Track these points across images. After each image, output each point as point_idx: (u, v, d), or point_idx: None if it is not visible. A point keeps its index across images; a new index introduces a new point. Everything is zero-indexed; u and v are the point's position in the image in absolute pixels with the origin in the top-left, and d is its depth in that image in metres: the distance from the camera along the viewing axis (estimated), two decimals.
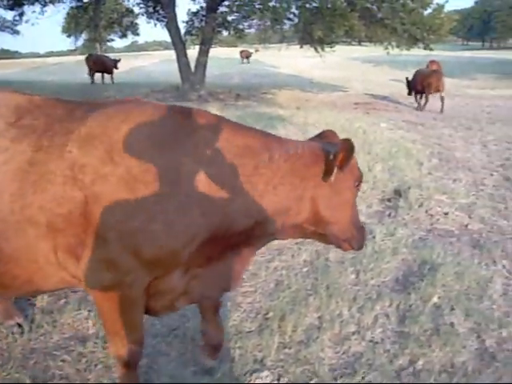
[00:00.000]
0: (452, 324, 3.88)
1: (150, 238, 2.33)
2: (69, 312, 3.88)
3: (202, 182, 2.41)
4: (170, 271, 2.53)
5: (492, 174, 8.47)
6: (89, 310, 3.92)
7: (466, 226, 5.99)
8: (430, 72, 18.37)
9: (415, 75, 18.73)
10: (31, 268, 2.43)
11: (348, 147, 2.55)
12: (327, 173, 2.66)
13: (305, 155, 2.71)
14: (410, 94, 19.19)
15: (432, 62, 26.48)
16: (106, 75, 28.83)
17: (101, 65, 28.43)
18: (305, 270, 4.73)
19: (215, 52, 51.74)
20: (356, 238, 3.00)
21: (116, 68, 28.72)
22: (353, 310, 4.03)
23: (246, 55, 54.01)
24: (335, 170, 2.62)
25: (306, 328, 3.78)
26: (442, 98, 17.47)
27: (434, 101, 17.77)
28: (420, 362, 3.43)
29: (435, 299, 4.19)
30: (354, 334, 3.75)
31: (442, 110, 17.25)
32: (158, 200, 2.32)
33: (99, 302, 2.55)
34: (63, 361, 3.35)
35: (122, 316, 2.55)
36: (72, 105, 2.60)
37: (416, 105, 18.85)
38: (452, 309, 4.07)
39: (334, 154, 2.60)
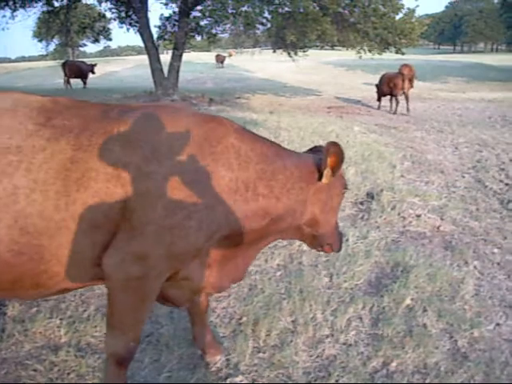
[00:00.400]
0: (425, 325, 3.91)
1: (184, 234, 2.51)
2: (40, 321, 3.82)
3: (228, 185, 2.65)
4: (187, 265, 2.73)
5: (463, 176, 8.58)
6: (61, 319, 3.87)
7: (438, 227, 6.05)
8: (396, 74, 18.85)
9: (381, 78, 19.40)
10: (69, 265, 2.48)
11: (335, 150, 2.81)
12: (320, 174, 2.92)
13: (308, 164, 2.99)
14: (379, 100, 19.84)
15: (404, 65, 26.87)
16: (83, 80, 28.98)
17: (77, 70, 28.46)
18: (278, 274, 4.74)
19: (189, 57, 51.65)
20: (337, 241, 3.34)
21: (93, 73, 28.80)
22: (326, 313, 4.04)
23: (220, 59, 54.11)
24: (327, 171, 2.88)
25: (280, 332, 3.78)
26: (406, 98, 18.30)
27: (405, 104, 17.98)
28: (393, 364, 3.46)
29: (408, 301, 4.22)
30: (327, 337, 3.76)
31: (407, 109, 18.07)
32: (193, 199, 2.51)
33: (116, 293, 2.62)
34: (35, 370, 3.30)
35: (134, 309, 2.67)
36: (103, 106, 2.71)
37: (376, 106, 19.85)
38: (424, 310, 4.10)
39: (323, 156, 2.85)
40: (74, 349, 3.52)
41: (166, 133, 2.57)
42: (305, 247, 5.24)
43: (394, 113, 18.23)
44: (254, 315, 3.93)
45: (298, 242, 5.30)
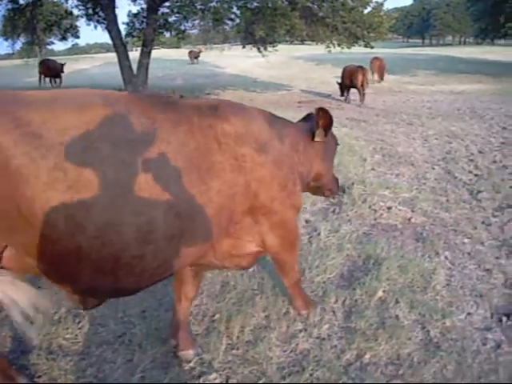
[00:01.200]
0: (397, 317, 3.94)
1: (297, 196, 3.42)
2: (10, 324, 3.76)
3: (286, 154, 3.39)
4: None
5: (433, 168, 8.67)
6: (31, 322, 3.81)
7: (409, 219, 6.09)
8: (356, 67, 19.44)
9: (343, 72, 20.03)
10: (199, 244, 2.85)
11: (323, 113, 3.58)
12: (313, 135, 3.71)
13: (308, 131, 3.73)
14: (342, 95, 20.54)
15: (375, 58, 27.73)
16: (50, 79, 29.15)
17: (53, 69, 28.68)
18: (250, 270, 4.69)
19: (159, 53, 51.18)
20: (335, 185, 4.22)
21: (62, 72, 28.68)
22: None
23: (194, 55, 53.76)
24: (319, 131, 3.64)
25: (254, 328, 3.78)
26: (363, 90, 19.13)
27: (375, 97, 18.12)
28: (367, 356, 3.48)
29: (380, 293, 4.25)
30: (301, 331, 3.77)
31: (362, 101, 18.97)
32: (291, 171, 3.34)
33: (284, 256, 3.61)
34: None
35: (295, 252, 3.71)
36: (187, 102, 3.04)
37: (344, 99, 20.49)
38: (397, 302, 4.13)
39: (315, 119, 3.66)
40: (45, 352, 3.49)
41: (258, 127, 3.18)
42: None
43: (361, 105, 18.77)
44: (227, 312, 3.94)
45: None
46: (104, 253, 2.39)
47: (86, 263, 2.41)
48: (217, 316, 3.94)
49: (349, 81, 19.52)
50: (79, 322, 3.84)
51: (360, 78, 18.94)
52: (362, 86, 18.92)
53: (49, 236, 2.30)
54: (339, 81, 20.30)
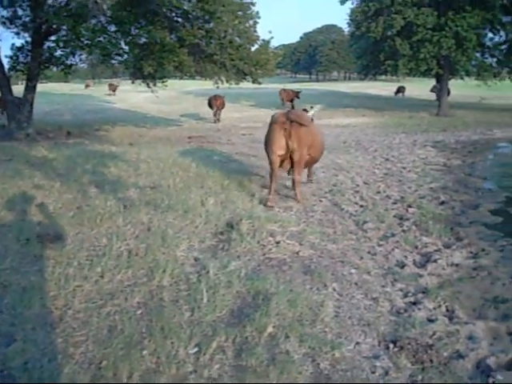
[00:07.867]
0: (287, 352, 3.95)
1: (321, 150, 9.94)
2: None
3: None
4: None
5: (321, 200, 8.91)
6: None
7: (297, 253, 6.17)
8: (213, 96, 27.86)
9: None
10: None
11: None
12: None
13: None
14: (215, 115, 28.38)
15: (283, 90, 38.58)
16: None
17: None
18: (139, 312, 4.58)
19: (47, 87, 49.68)
20: None
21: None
22: (189, 349, 3.96)
23: (113, 88, 53.10)
24: None
25: (142, 373, 3.65)
26: (219, 114, 28.29)
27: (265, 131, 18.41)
28: None
29: (270, 329, 4.24)
30: (191, 373, 3.68)
31: (217, 120, 27.93)
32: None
33: None
34: None
35: None
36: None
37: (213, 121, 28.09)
38: (287, 336, 4.14)
39: None
40: None
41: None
42: (165, 282, 5.15)
43: (214, 122, 27.49)
44: (115, 358, 3.78)
45: (157, 278, 5.19)
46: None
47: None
48: (104, 363, 3.76)
49: (209, 105, 28.23)
50: None
51: (213, 103, 27.61)
52: (218, 108, 27.73)
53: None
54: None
